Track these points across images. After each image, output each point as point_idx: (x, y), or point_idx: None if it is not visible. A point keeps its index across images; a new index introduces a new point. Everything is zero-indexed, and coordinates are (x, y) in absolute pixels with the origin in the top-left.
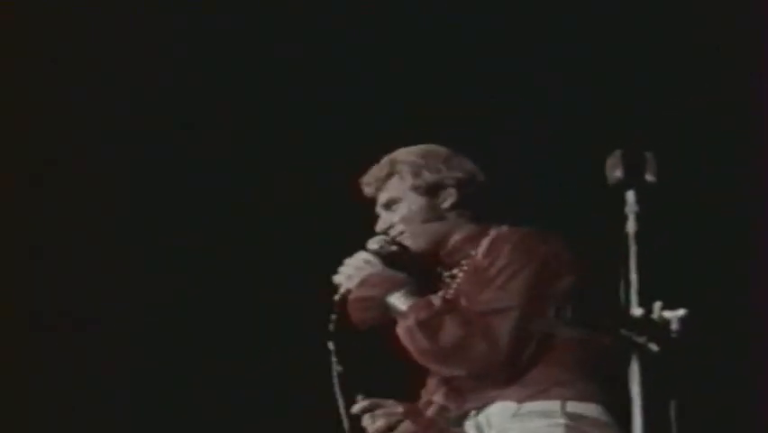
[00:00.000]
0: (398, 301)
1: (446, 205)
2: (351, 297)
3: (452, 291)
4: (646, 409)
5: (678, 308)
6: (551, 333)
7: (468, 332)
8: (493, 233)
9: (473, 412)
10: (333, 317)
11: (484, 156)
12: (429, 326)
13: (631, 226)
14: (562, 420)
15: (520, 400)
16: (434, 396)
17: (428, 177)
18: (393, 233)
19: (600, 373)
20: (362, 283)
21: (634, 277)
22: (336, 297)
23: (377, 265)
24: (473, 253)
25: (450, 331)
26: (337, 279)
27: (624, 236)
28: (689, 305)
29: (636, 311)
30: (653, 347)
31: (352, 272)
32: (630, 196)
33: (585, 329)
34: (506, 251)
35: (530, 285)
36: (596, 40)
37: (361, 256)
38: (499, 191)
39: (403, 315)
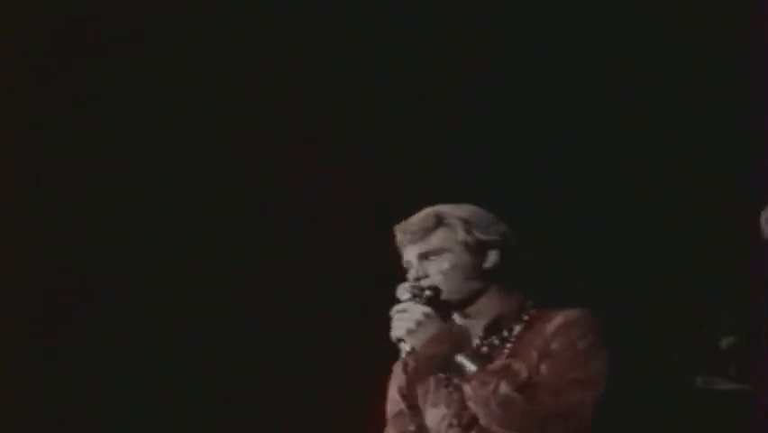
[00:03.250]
0: (467, 361)
1: (488, 265)
2: (419, 354)
3: (501, 361)
4: None
5: None
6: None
7: (558, 402)
8: (562, 315)
9: None
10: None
11: None
12: (526, 393)
13: None
14: None
15: None
16: None
17: (479, 235)
18: (426, 283)
19: None
20: (430, 341)
21: None
22: (402, 354)
23: (437, 319)
24: (518, 326)
25: (544, 401)
26: (397, 334)
27: None
28: None
29: None
30: None
31: (413, 327)
32: None
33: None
34: (584, 332)
35: (606, 365)
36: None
37: (418, 309)
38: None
39: (474, 376)
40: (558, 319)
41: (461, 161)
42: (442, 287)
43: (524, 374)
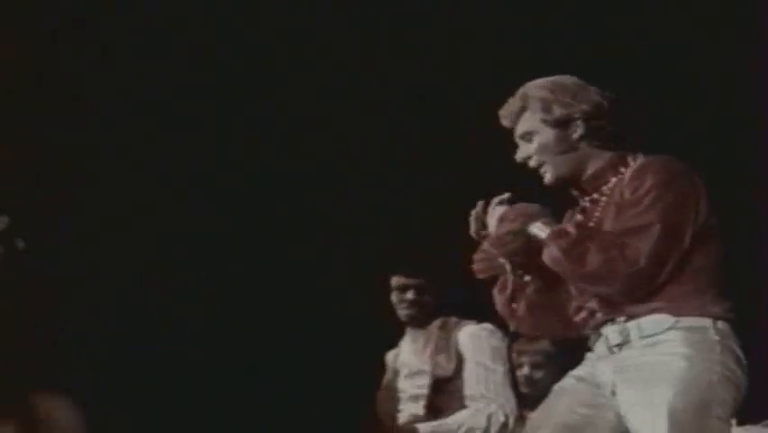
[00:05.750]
0: (539, 230)
1: (576, 136)
2: (493, 237)
3: (597, 215)
4: None
5: None
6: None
7: (608, 256)
8: (638, 161)
9: (622, 319)
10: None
11: None
12: (573, 253)
13: None
14: (715, 337)
15: (677, 314)
16: (586, 303)
17: (557, 111)
18: (532, 163)
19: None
20: (501, 221)
21: None
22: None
23: (507, 204)
24: (614, 179)
25: (592, 256)
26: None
27: None
28: None
29: None
30: None
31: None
32: None
33: None
34: (649, 177)
35: (670, 207)
36: None
37: (495, 200)
38: (630, 118)
39: (545, 242)
40: (638, 162)
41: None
42: (545, 165)
43: (572, 231)
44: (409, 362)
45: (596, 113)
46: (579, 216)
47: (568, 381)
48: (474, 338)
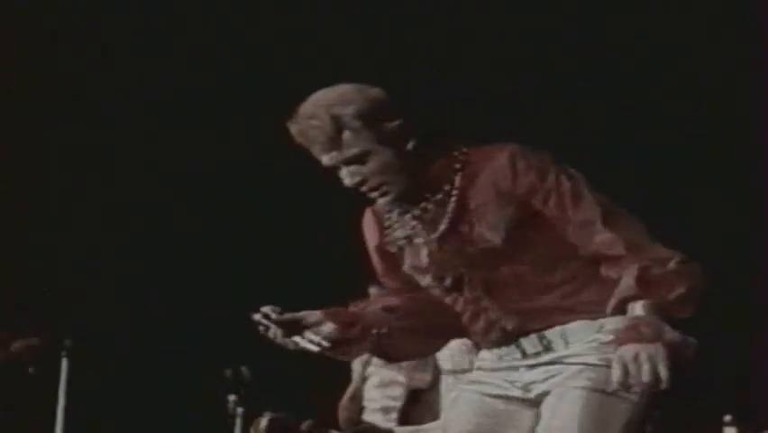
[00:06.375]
0: (640, 308)
1: (411, 147)
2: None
3: (450, 215)
4: None
5: None
6: None
7: (658, 263)
8: (500, 157)
9: (538, 327)
10: None
11: None
12: (662, 286)
13: None
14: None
15: (597, 317)
16: (489, 312)
17: (386, 126)
18: (370, 185)
19: None
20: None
21: None
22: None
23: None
24: (456, 177)
25: (667, 276)
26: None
27: None
28: None
29: None
30: None
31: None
32: None
33: None
34: (546, 168)
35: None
36: None
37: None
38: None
39: (669, 304)
40: (502, 157)
41: None
42: (385, 186)
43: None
44: (380, 370)
45: (413, 117)
46: (414, 223)
47: (471, 396)
48: (453, 353)
